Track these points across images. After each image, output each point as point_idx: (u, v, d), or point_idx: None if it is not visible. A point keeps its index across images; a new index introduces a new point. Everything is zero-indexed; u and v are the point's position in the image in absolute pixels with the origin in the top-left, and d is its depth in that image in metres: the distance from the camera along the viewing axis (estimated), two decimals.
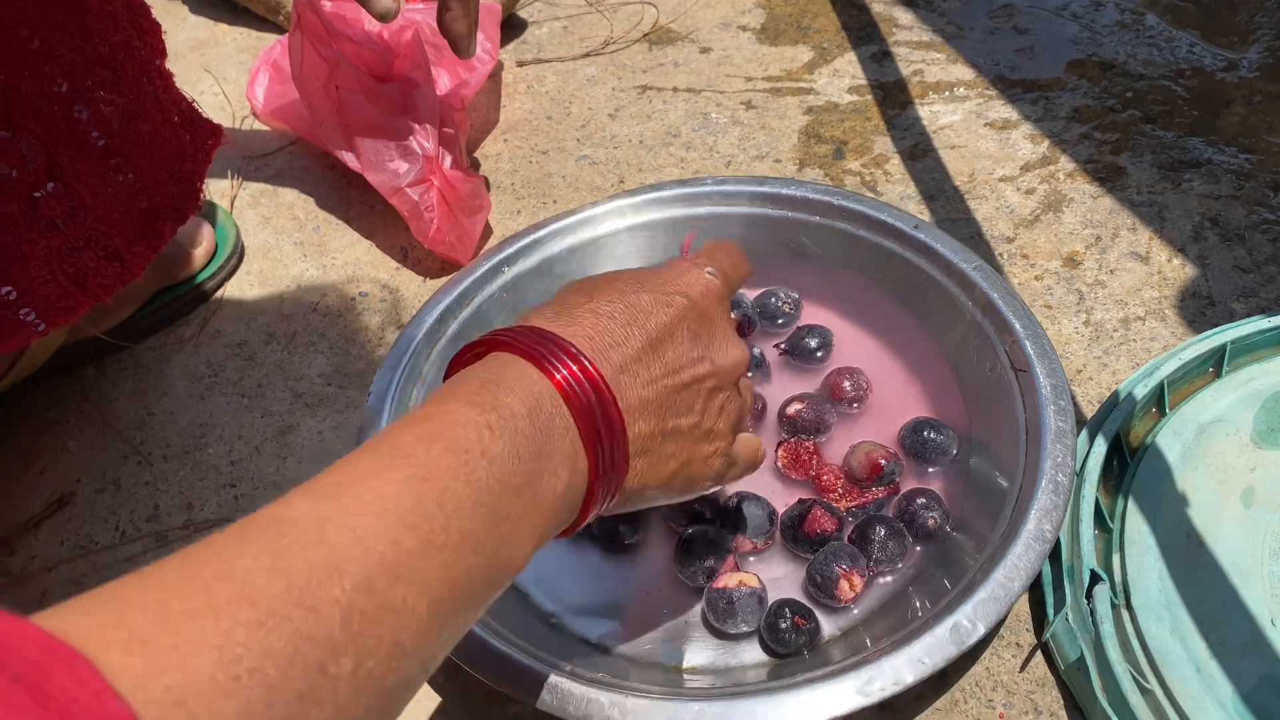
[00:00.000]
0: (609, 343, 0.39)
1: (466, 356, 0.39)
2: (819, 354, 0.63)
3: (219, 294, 0.75)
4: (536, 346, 0.37)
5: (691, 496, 0.45)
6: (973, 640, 0.46)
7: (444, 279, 0.73)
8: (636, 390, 0.39)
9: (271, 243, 0.78)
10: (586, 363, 0.37)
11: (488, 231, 0.76)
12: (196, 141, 0.57)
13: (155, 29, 0.57)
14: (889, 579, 0.54)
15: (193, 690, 0.23)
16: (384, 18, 0.61)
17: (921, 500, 0.54)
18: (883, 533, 0.53)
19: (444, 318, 0.63)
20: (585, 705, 0.46)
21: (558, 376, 0.37)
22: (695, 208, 0.67)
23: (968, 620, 0.47)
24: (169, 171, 0.54)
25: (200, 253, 0.73)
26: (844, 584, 0.52)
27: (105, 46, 0.51)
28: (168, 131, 0.54)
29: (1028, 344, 0.56)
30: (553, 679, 0.47)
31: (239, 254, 0.76)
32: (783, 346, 0.64)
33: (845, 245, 0.65)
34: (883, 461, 0.56)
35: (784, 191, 0.66)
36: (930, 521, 0.54)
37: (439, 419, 0.33)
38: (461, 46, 0.62)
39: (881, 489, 0.57)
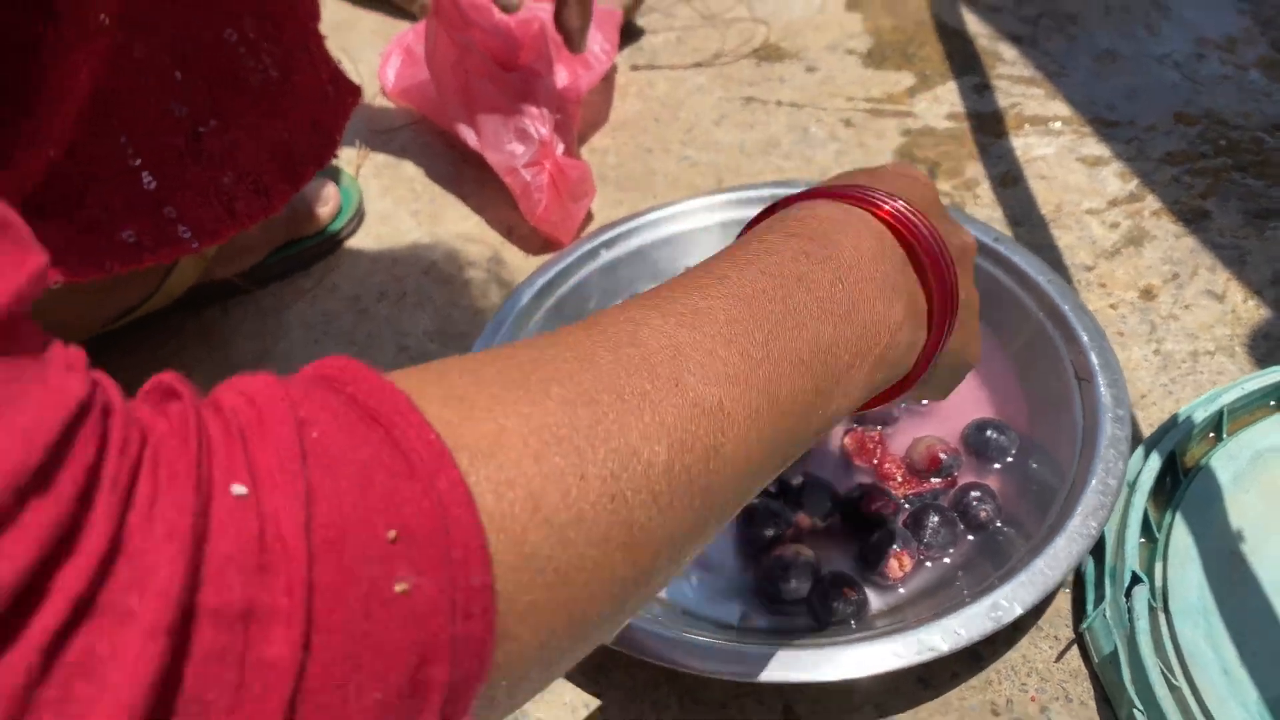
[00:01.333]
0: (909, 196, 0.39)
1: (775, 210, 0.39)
2: None
3: (338, 251, 0.81)
4: (853, 192, 0.37)
5: (960, 380, 0.46)
6: (1009, 619, 0.49)
7: (546, 256, 0.78)
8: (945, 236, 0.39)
9: (390, 210, 0.84)
10: (909, 206, 0.37)
11: (589, 217, 0.81)
12: (339, 97, 0.63)
13: (316, 3, 0.64)
14: (939, 563, 0.57)
15: (502, 445, 0.24)
16: (507, 9, 0.67)
17: (976, 494, 0.57)
18: (935, 520, 0.57)
19: (544, 291, 0.68)
20: (635, 640, 0.50)
21: (885, 208, 0.36)
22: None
23: (1005, 600, 0.50)
24: (312, 120, 0.60)
25: (325, 211, 0.80)
26: (893, 563, 0.56)
27: (271, 5, 0.58)
28: (315, 85, 0.60)
29: (1093, 355, 0.59)
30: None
31: (360, 216, 0.83)
32: None
33: None
34: (942, 455, 0.60)
35: None
36: (983, 513, 0.57)
37: (755, 245, 0.34)
38: (574, 42, 0.68)
39: (939, 480, 0.60)
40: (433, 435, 0.23)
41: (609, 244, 0.71)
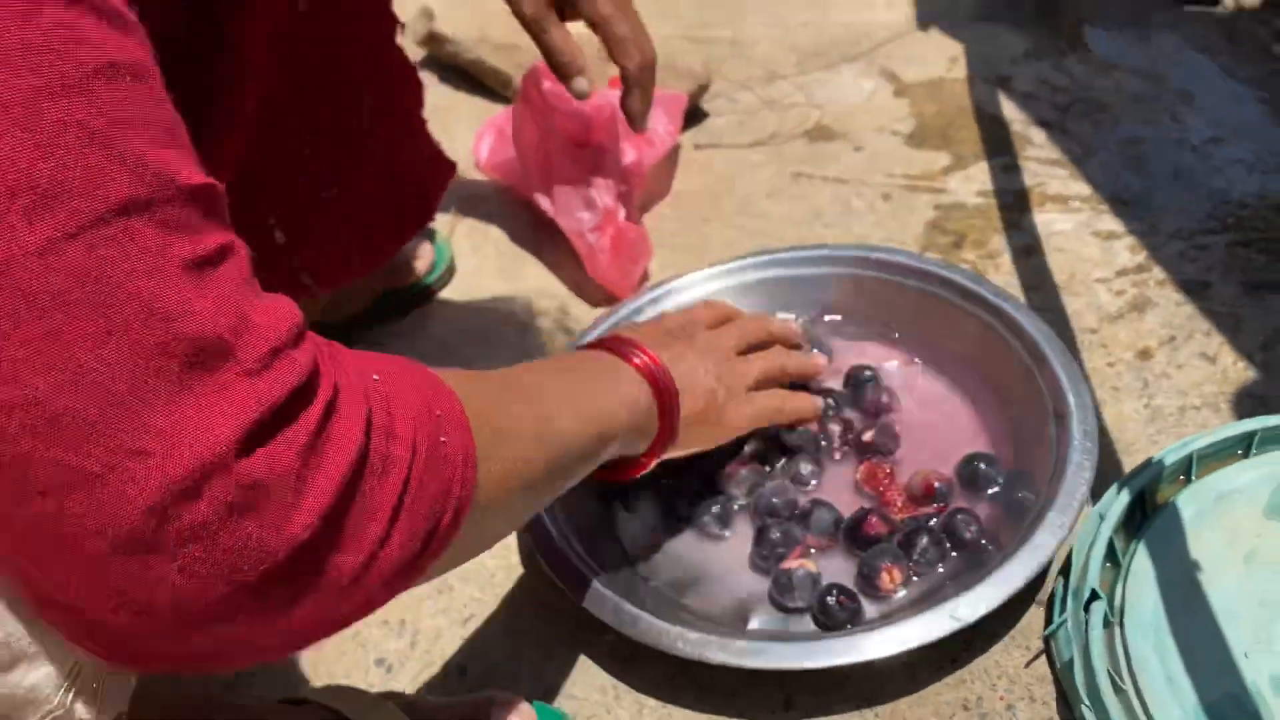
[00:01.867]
0: (650, 340, 0.64)
1: (585, 346, 0.65)
2: (869, 386, 0.76)
3: (431, 301, 0.94)
4: (617, 344, 0.63)
5: (728, 434, 0.68)
6: (968, 620, 0.58)
7: (605, 309, 0.89)
8: (670, 362, 0.64)
9: (477, 267, 0.97)
10: (645, 347, 0.62)
11: (646, 276, 0.93)
12: (439, 170, 0.76)
13: (419, 86, 0.77)
14: (929, 578, 0.65)
15: (474, 399, 0.44)
16: (580, 96, 0.79)
17: (962, 516, 0.66)
18: (925, 540, 0.65)
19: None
20: (657, 634, 0.60)
21: (635, 360, 0.62)
22: (798, 269, 0.82)
23: (967, 606, 0.59)
24: (416, 188, 0.73)
25: (421, 266, 0.93)
26: (885, 576, 0.64)
27: (384, 96, 0.71)
28: (419, 159, 0.73)
29: (1070, 396, 0.68)
30: (638, 613, 0.62)
31: (451, 272, 0.95)
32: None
33: (921, 303, 0.78)
34: (936, 484, 0.68)
35: (873, 256, 0.81)
36: (967, 534, 0.65)
37: (571, 358, 0.62)
38: (636, 123, 0.80)
39: (934, 506, 0.68)
40: (442, 380, 0.43)
41: (656, 299, 0.82)
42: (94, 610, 0.32)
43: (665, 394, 0.62)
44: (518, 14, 0.76)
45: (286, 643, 0.37)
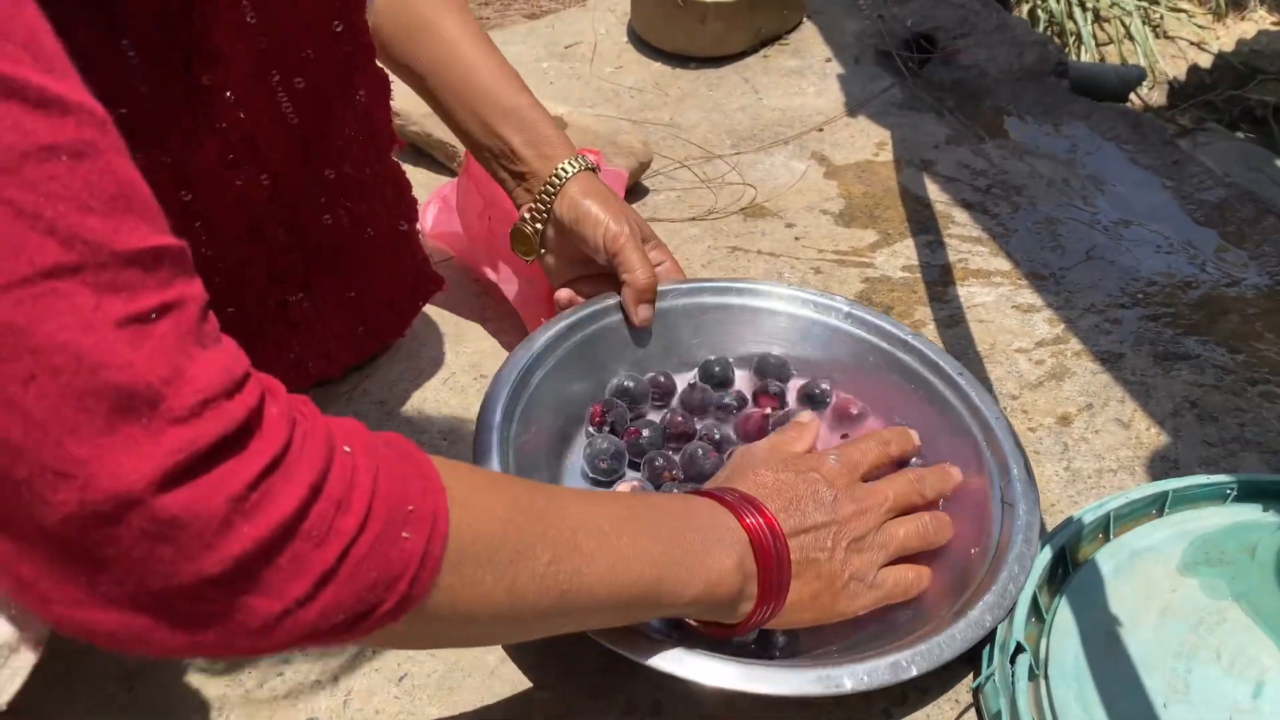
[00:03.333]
0: (775, 503, 0.61)
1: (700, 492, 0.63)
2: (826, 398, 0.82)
3: (373, 363, 0.94)
4: (714, 494, 0.60)
5: (839, 618, 0.64)
6: (906, 676, 0.59)
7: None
8: (793, 532, 0.61)
9: (420, 331, 0.98)
10: (758, 503, 0.59)
11: None
12: (420, 286, 0.76)
13: (412, 204, 0.77)
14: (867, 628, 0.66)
15: (472, 502, 0.46)
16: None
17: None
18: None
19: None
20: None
21: (735, 507, 0.59)
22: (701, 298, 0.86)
23: (905, 660, 0.60)
24: (390, 303, 0.73)
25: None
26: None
27: (375, 216, 0.71)
28: (399, 272, 0.73)
29: (1018, 485, 0.70)
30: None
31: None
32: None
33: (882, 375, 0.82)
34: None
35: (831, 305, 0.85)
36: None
37: (653, 498, 0.61)
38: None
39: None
40: (440, 481, 0.45)
41: (573, 326, 0.82)
42: (22, 574, 0.37)
43: (771, 569, 0.57)
44: (606, 231, 0.78)
45: (193, 651, 0.40)
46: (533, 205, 0.81)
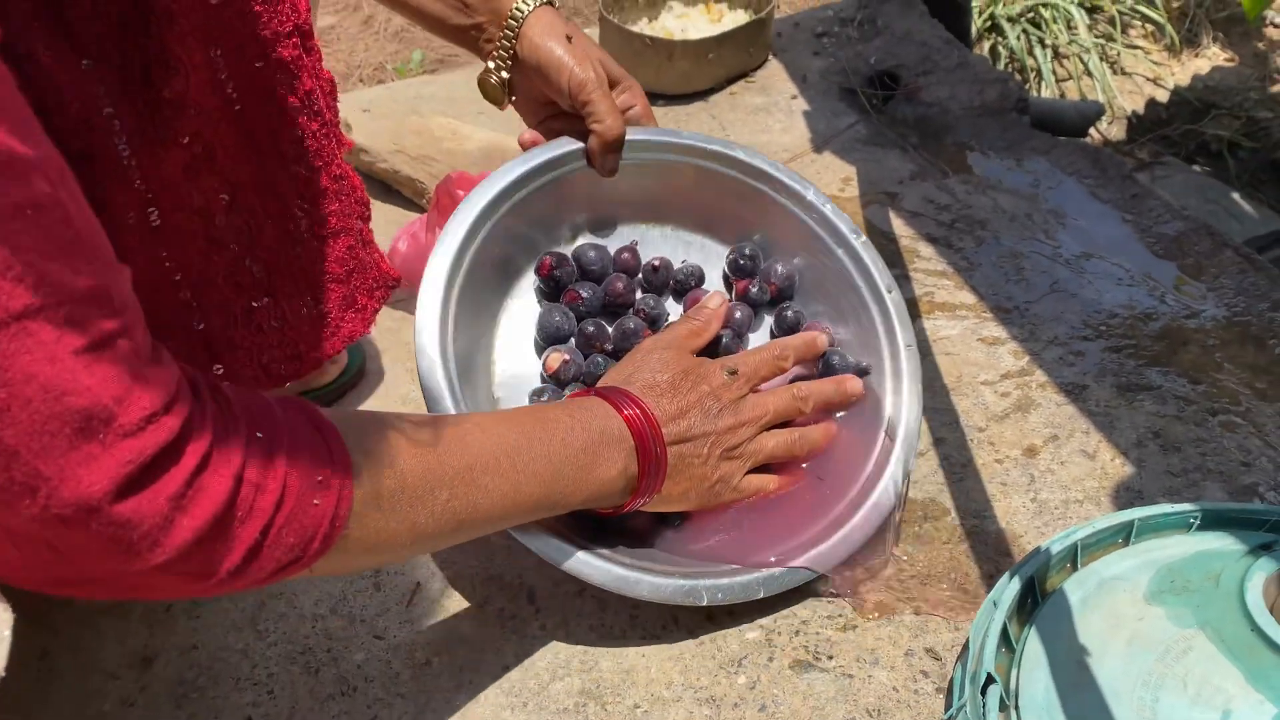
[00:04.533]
0: (664, 409, 0.69)
1: (577, 395, 0.70)
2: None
3: (342, 400, 0.94)
4: (612, 396, 0.67)
5: (706, 508, 0.73)
6: (755, 596, 0.71)
7: None
8: (674, 440, 0.68)
9: (386, 368, 0.98)
10: (648, 408, 0.67)
11: None
12: (380, 286, 0.76)
13: (365, 202, 0.77)
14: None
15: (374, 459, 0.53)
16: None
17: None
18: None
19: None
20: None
21: (626, 413, 0.66)
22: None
23: (756, 583, 0.72)
24: (351, 301, 0.74)
25: (334, 368, 0.93)
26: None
27: (331, 218, 0.71)
28: (361, 273, 0.74)
29: (901, 426, 0.78)
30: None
31: (360, 372, 0.96)
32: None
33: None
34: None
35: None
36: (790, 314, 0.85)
37: (549, 415, 0.64)
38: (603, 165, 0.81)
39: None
40: (344, 446, 0.52)
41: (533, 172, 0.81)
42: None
43: (648, 474, 0.66)
44: (571, 77, 0.77)
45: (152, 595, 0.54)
46: (494, 51, 0.81)
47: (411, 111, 1.31)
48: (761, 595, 0.71)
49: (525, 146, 0.82)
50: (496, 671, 0.70)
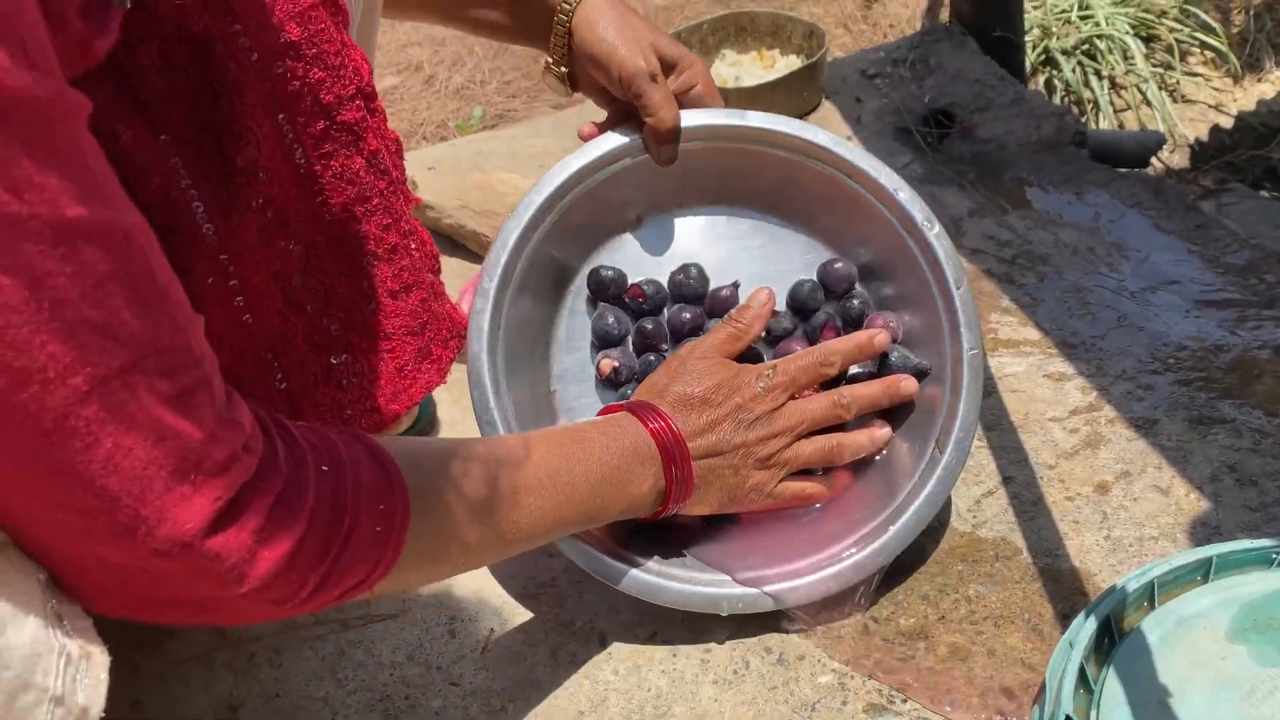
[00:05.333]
0: (694, 422, 0.71)
1: (608, 409, 0.74)
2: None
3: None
4: (641, 411, 0.70)
5: (734, 510, 0.75)
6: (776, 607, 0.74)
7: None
8: (704, 454, 0.71)
9: (457, 417, 1.00)
10: (674, 423, 0.70)
11: None
12: (454, 339, 0.78)
13: (435, 255, 0.79)
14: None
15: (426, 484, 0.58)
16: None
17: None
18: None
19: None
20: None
21: (652, 428, 0.69)
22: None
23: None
24: (428, 354, 0.76)
25: (406, 418, 0.95)
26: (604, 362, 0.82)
27: (403, 273, 0.74)
28: (436, 328, 0.76)
29: (954, 433, 0.77)
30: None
31: (432, 421, 0.98)
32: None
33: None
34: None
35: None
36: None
37: (585, 434, 0.67)
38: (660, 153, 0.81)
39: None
40: (402, 477, 0.56)
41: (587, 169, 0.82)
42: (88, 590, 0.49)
43: (673, 487, 0.69)
44: (621, 68, 0.77)
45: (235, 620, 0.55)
46: (551, 46, 0.81)
47: (474, 167, 1.35)
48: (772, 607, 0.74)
49: (585, 139, 0.83)
50: (571, 717, 0.71)
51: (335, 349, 0.68)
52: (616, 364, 0.80)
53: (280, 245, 0.64)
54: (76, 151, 0.41)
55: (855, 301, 0.83)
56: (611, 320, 0.81)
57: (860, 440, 0.77)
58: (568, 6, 0.79)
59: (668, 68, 0.80)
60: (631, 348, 0.82)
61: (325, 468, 0.52)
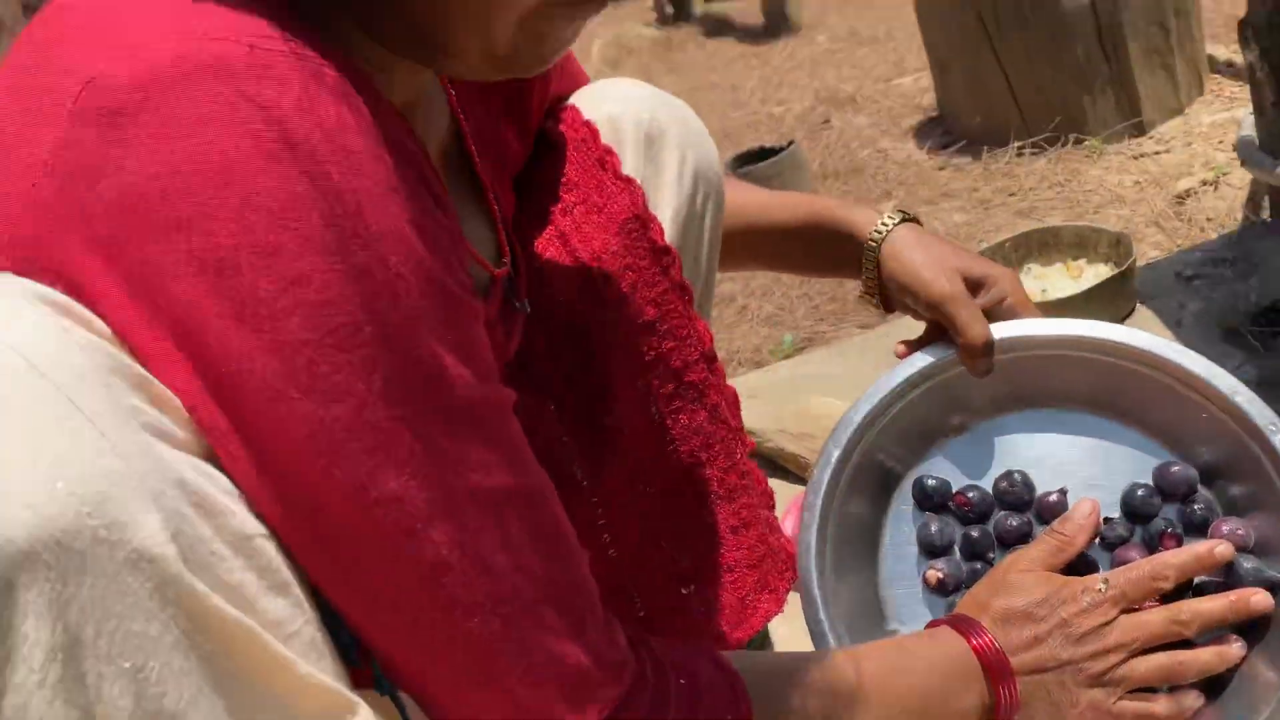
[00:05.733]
0: (1018, 637, 0.70)
1: (933, 624, 0.75)
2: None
3: None
4: (962, 626, 0.71)
5: None
6: None
7: None
8: (1029, 670, 0.70)
9: (784, 636, 1.05)
10: (994, 639, 0.70)
11: None
12: (788, 567, 0.84)
13: (769, 495, 0.88)
14: None
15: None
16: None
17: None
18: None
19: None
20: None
21: (974, 643, 0.69)
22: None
23: None
24: (765, 585, 0.83)
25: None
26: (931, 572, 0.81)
27: (742, 510, 0.84)
28: (770, 557, 0.84)
29: None
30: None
31: (763, 644, 1.04)
32: None
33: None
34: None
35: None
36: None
37: (910, 649, 0.71)
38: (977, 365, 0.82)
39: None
40: (748, 695, 0.60)
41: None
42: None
43: (1002, 700, 0.68)
44: (927, 293, 0.81)
45: None
46: (863, 275, 0.86)
47: (790, 391, 1.45)
48: None
49: (900, 358, 0.87)
50: None
51: (685, 580, 0.77)
52: (942, 575, 0.81)
53: (639, 489, 0.75)
54: (509, 432, 0.52)
55: (1198, 506, 0.79)
56: (935, 529, 0.83)
57: (1207, 658, 0.72)
58: (874, 241, 0.85)
59: (975, 285, 0.83)
60: (959, 555, 0.84)
61: (682, 681, 0.58)
